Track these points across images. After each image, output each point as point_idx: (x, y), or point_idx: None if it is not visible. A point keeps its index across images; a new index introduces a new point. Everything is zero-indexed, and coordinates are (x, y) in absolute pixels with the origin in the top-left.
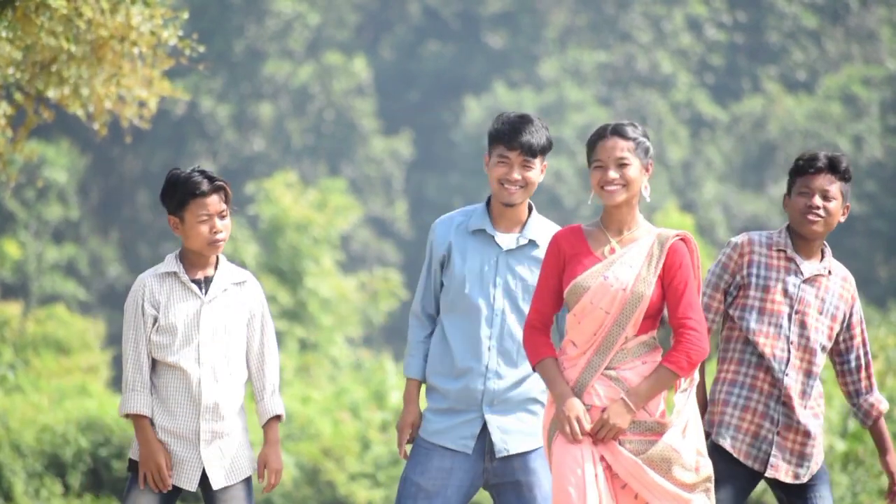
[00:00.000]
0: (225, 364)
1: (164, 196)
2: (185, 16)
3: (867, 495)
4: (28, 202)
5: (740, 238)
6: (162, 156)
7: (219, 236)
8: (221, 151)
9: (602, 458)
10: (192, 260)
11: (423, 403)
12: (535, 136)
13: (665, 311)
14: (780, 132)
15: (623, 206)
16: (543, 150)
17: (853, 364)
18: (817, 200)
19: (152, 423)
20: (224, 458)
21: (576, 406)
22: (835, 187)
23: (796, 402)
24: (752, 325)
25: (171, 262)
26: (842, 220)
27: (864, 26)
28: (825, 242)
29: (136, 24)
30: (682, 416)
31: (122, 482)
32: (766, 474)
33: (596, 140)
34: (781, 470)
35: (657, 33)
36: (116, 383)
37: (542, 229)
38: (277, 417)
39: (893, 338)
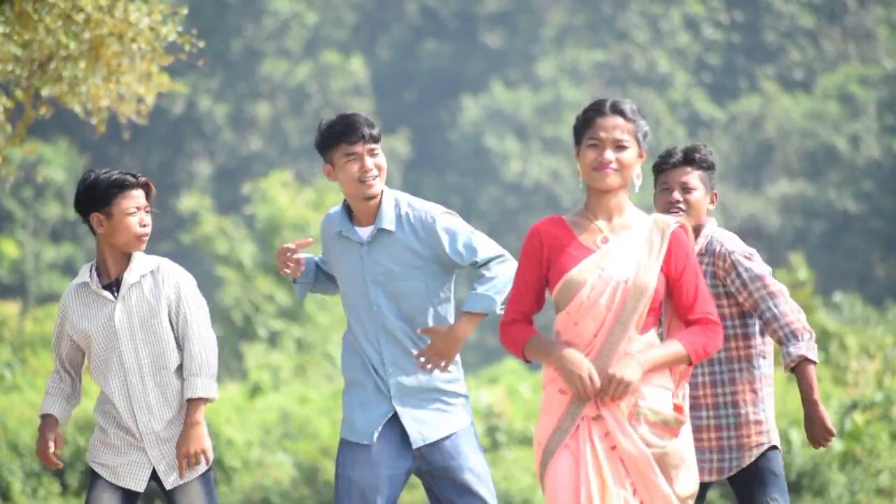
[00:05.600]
0: (149, 361)
1: (86, 194)
2: (185, 11)
3: (864, 494)
4: (26, 201)
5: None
6: (159, 155)
7: (146, 230)
8: (219, 151)
9: (612, 447)
10: (108, 263)
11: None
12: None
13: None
14: (778, 131)
15: (615, 191)
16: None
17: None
18: None
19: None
20: (172, 456)
21: (584, 362)
22: None
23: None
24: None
25: (84, 273)
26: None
27: (861, 26)
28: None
29: (134, 21)
30: (687, 423)
31: None
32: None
33: (593, 116)
34: (704, 474)
35: (654, 32)
36: None
37: (388, 215)
38: (200, 400)
39: (891, 337)
